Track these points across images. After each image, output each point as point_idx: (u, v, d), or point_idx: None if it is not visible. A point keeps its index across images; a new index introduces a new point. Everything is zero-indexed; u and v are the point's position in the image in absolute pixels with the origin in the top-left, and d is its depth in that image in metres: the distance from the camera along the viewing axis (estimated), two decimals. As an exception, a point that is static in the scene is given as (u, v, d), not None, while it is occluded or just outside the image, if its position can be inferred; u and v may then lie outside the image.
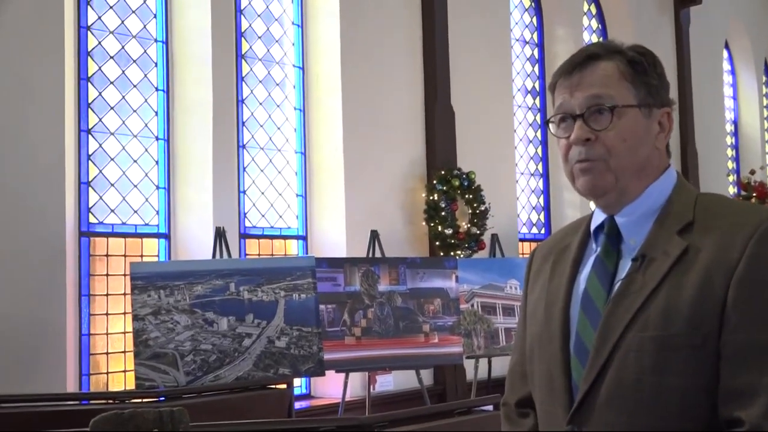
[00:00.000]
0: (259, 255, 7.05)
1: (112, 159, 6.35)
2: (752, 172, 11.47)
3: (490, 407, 4.00)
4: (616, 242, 1.60)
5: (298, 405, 6.45)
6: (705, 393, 1.43)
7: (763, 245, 1.43)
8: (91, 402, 4.81)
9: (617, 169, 1.57)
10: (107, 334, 6.20)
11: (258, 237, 7.13)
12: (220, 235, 6.07)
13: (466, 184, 7.83)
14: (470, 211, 7.87)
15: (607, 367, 1.49)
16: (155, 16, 6.69)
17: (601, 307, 1.54)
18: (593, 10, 10.86)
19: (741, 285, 1.42)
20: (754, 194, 11.13)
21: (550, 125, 1.66)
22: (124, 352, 6.21)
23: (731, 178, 12.52)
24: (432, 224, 7.67)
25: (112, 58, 6.39)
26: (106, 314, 6.20)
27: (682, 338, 1.43)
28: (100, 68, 6.32)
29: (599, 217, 1.65)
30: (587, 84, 1.59)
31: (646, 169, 1.59)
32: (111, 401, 4.79)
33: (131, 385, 5.79)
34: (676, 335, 1.44)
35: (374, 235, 6.83)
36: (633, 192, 1.59)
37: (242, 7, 7.18)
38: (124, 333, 6.20)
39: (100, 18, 6.35)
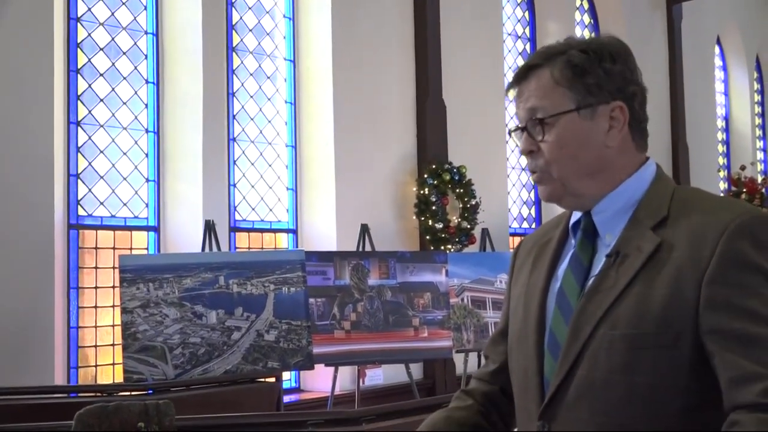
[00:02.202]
0: (249, 248, 7.04)
1: (102, 151, 6.33)
2: (743, 168, 11.48)
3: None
4: (592, 238, 1.59)
5: (287, 398, 6.45)
6: (675, 392, 1.41)
7: (734, 241, 1.42)
8: (80, 395, 4.81)
9: (561, 178, 1.58)
10: (96, 326, 6.18)
11: (248, 230, 7.11)
12: (209, 228, 6.06)
13: (456, 178, 7.82)
14: (461, 206, 7.87)
15: (577, 364, 1.48)
16: (145, 8, 6.65)
17: (574, 303, 1.53)
18: (585, 5, 10.86)
19: (713, 284, 1.40)
20: (744, 190, 11.15)
21: (513, 135, 1.69)
22: (113, 345, 6.20)
23: (722, 173, 12.54)
24: (422, 218, 7.67)
25: (101, 50, 6.37)
26: (95, 307, 6.18)
27: (652, 337, 1.42)
28: (89, 60, 6.29)
29: (577, 213, 1.64)
30: (526, 96, 1.63)
31: (603, 170, 1.57)
32: (99, 394, 4.78)
33: (120, 378, 5.77)
34: (646, 334, 1.42)
35: (364, 229, 6.82)
36: (591, 193, 1.58)
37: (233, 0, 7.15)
38: (113, 326, 6.19)
39: (89, 9, 6.32)
